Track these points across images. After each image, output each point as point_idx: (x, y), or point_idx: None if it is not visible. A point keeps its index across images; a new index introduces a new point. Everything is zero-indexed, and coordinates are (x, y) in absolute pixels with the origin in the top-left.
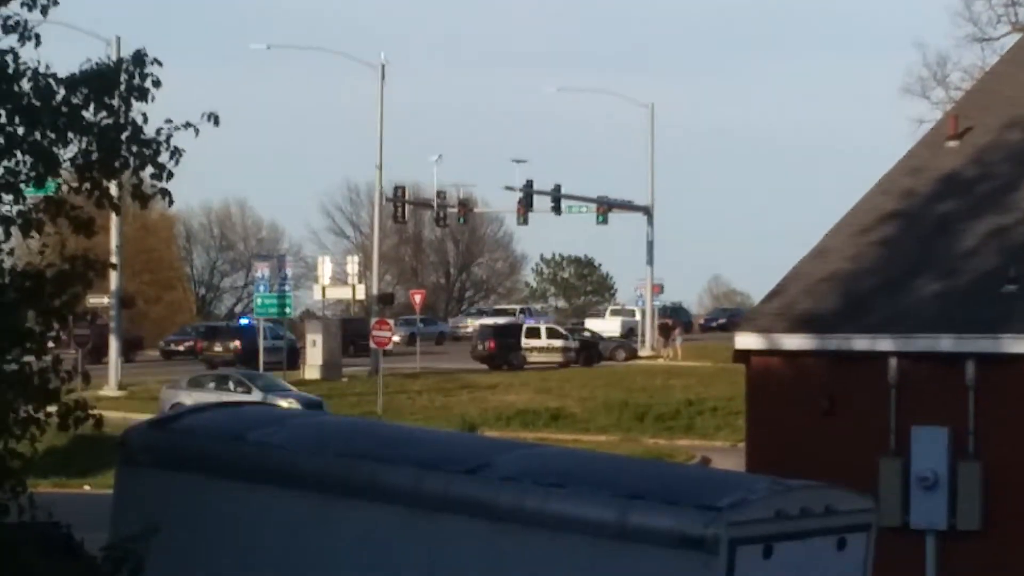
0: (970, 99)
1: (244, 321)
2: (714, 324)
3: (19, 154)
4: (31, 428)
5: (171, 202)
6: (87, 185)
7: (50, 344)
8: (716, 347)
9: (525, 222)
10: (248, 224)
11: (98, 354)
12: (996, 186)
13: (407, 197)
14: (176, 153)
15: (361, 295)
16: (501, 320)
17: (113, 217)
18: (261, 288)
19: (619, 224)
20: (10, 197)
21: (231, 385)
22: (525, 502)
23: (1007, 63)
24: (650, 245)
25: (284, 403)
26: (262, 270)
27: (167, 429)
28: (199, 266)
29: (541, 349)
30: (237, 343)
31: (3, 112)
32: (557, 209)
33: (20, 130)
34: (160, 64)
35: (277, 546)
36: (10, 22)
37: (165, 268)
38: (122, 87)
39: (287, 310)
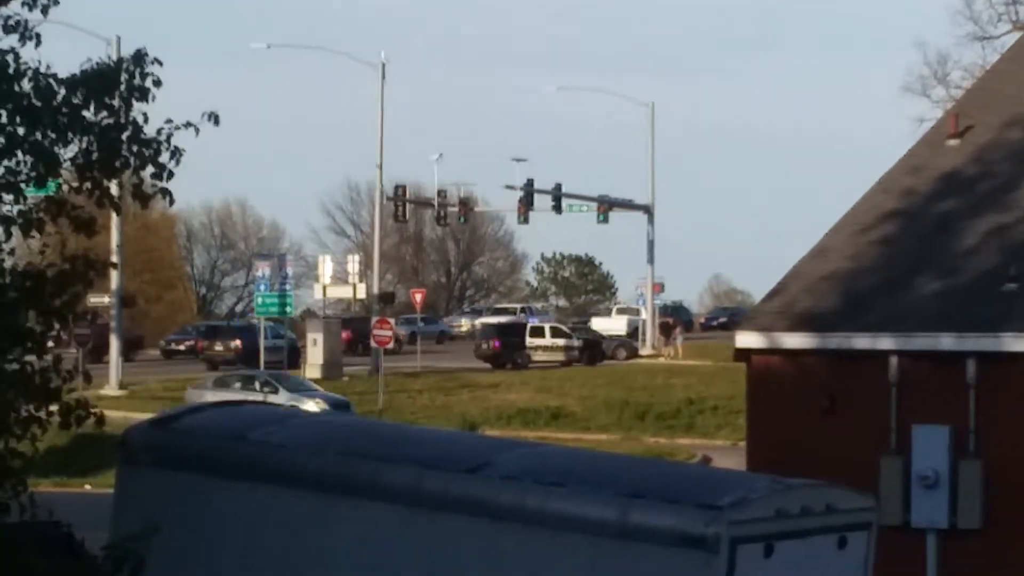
0: (971, 97)
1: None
2: (715, 323)
3: (20, 154)
4: (32, 427)
5: (172, 201)
6: (88, 185)
7: (50, 343)
8: (717, 346)
9: (526, 221)
10: (249, 223)
11: (98, 353)
12: (996, 184)
13: (408, 196)
14: (176, 153)
15: (362, 294)
16: (503, 319)
17: (114, 217)
18: (262, 287)
19: (620, 223)
20: (11, 197)
21: (257, 385)
22: (526, 501)
23: (1008, 61)
24: (651, 244)
25: (311, 403)
26: (263, 269)
27: (168, 428)
28: (200, 265)
29: (545, 348)
30: (238, 342)
31: (4, 112)
32: (558, 208)
33: (21, 130)
34: (160, 63)
35: (278, 545)
36: (11, 22)
37: (166, 267)
38: (122, 87)
39: (288, 309)
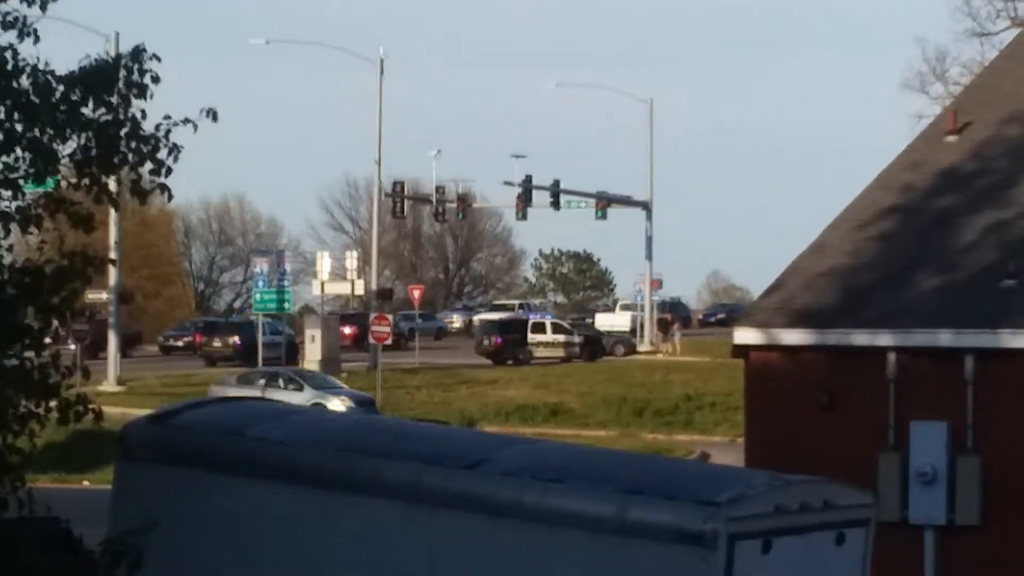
0: (969, 94)
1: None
2: (712, 319)
3: (18, 150)
4: (31, 423)
5: (170, 197)
6: (86, 181)
7: (48, 340)
8: (715, 342)
9: (524, 217)
10: (247, 219)
11: (95, 349)
12: (995, 181)
13: (406, 192)
14: (175, 149)
15: (360, 290)
16: (504, 315)
17: (112, 213)
18: (260, 283)
19: (618, 219)
20: (9, 193)
21: (281, 382)
22: (524, 497)
23: (1006, 58)
24: (649, 240)
25: (336, 401)
26: (261, 265)
27: (166, 424)
28: (198, 261)
29: (546, 344)
30: (236, 338)
31: (2, 108)
32: (556, 204)
33: (19, 127)
34: (159, 60)
35: (276, 542)
36: (9, 18)
37: (164, 263)
38: (121, 83)
39: (286, 305)
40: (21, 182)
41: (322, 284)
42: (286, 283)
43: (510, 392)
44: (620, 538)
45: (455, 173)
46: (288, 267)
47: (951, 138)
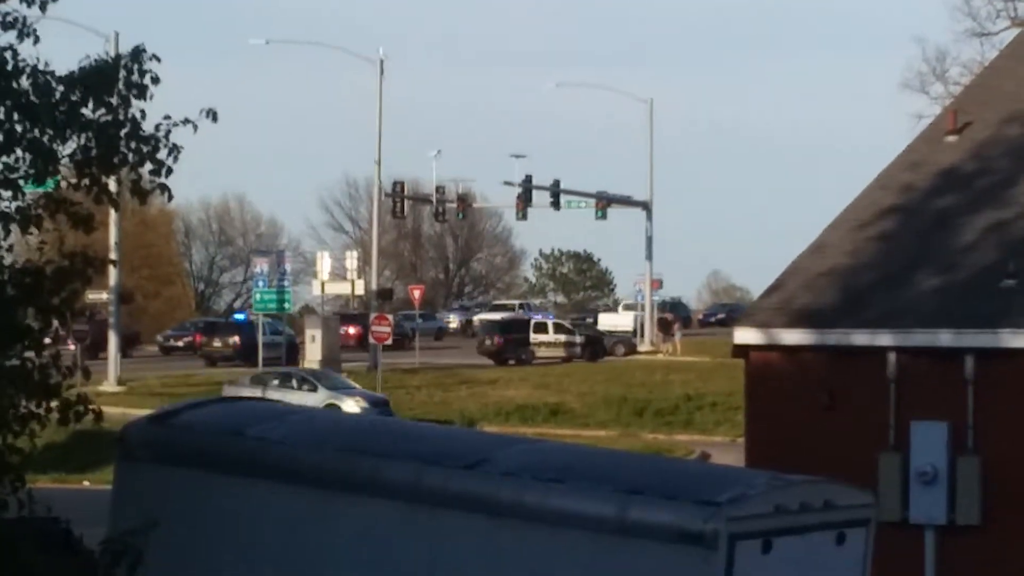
0: (969, 94)
1: (239, 317)
2: (712, 319)
3: (18, 151)
4: (31, 424)
5: (170, 197)
6: (86, 181)
7: (48, 340)
8: (715, 342)
9: (524, 217)
10: (247, 219)
11: (95, 349)
12: (995, 181)
13: (406, 192)
14: (175, 149)
15: (360, 290)
16: (505, 315)
17: (112, 213)
18: (260, 283)
19: (618, 219)
20: (9, 193)
21: (294, 383)
22: (525, 497)
23: (1006, 58)
24: (649, 240)
25: (351, 401)
26: (261, 265)
27: (166, 425)
28: (198, 261)
29: (548, 344)
30: (236, 338)
31: (2, 109)
32: (556, 204)
33: (19, 127)
34: (159, 60)
35: (276, 542)
36: (9, 18)
37: (164, 263)
38: (121, 84)
39: (286, 305)
40: (21, 182)
41: (322, 284)
42: (286, 283)
43: (510, 392)
44: (620, 538)
45: (455, 173)
46: (288, 267)
47: (951, 138)
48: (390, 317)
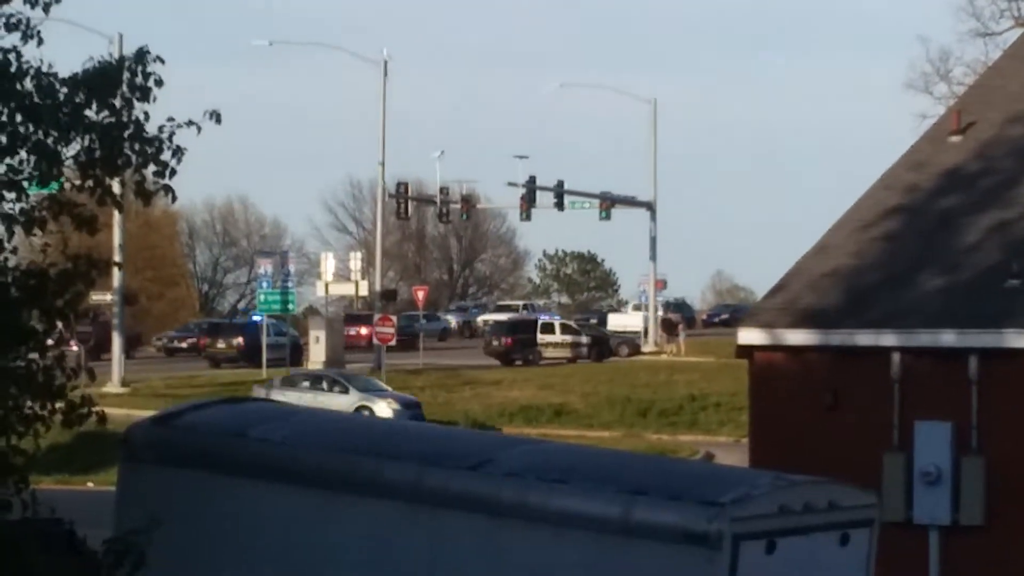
0: (973, 94)
1: (256, 317)
2: (716, 319)
3: (22, 152)
4: (35, 425)
5: (174, 199)
6: (90, 183)
7: (51, 341)
8: (719, 342)
9: (528, 218)
10: (251, 220)
11: (98, 350)
12: (999, 181)
13: (410, 193)
14: (178, 151)
15: (364, 291)
16: (511, 316)
17: (116, 214)
18: (264, 284)
19: (622, 220)
20: (13, 195)
21: (325, 385)
22: (528, 498)
23: (1010, 58)
24: (653, 241)
25: (382, 404)
26: (265, 266)
27: (170, 426)
28: (202, 263)
29: (555, 344)
30: (240, 339)
31: (6, 111)
32: (560, 205)
33: (23, 129)
34: (162, 62)
35: (279, 542)
36: (12, 20)
37: (168, 265)
38: (124, 86)
39: (290, 306)
40: (25, 184)
41: (326, 285)
42: (290, 284)
43: (514, 393)
44: (624, 539)
45: (459, 174)
46: (292, 268)
47: (955, 138)
48: (394, 318)
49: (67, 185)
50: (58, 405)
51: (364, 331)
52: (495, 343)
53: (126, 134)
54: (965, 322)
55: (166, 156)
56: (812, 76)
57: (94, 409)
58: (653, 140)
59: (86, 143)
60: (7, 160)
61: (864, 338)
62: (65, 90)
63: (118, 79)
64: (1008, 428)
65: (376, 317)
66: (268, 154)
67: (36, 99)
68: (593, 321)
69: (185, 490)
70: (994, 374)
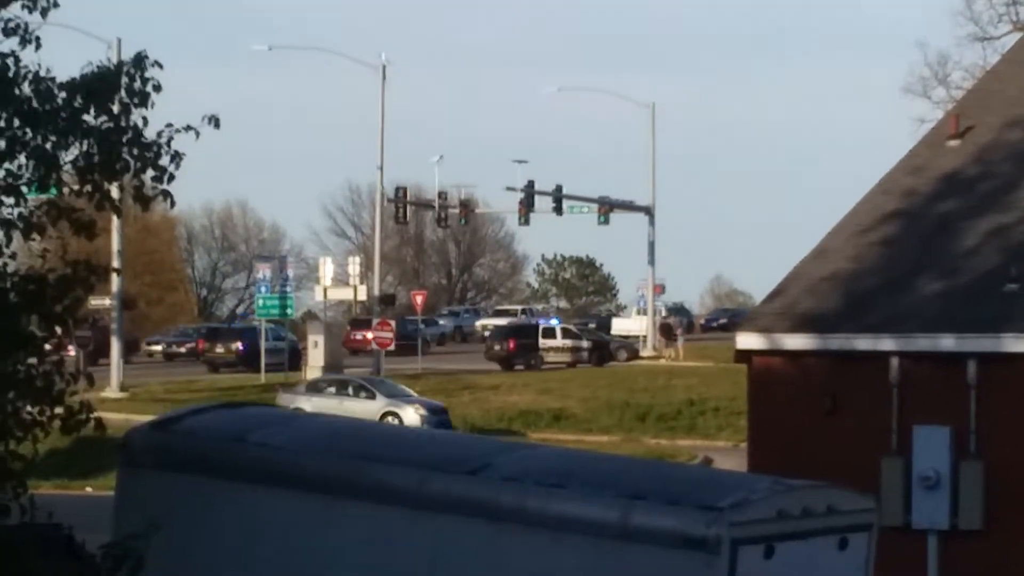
0: (971, 98)
1: (254, 322)
2: (715, 324)
3: (21, 157)
4: (34, 430)
5: (172, 204)
6: (88, 188)
7: (48, 346)
8: (718, 347)
9: (526, 222)
10: (250, 225)
11: (96, 355)
12: (997, 185)
13: (408, 198)
14: (177, 156)
15: (363, 296)
16: (511, 320)
17: (114, 219)
18: (263, 289)
19: (621, 224)
20: (11, 200)
21: (351, 390)
22: (527, 503)
23: (1008, 62)
24: (651, 245)
25: (410, 409)
26: (264, 271)
27: (169, 430)
28: (200, 267)
29: (557, 349)
30: (239, 344)
31: (4, 115)
32: (558, 209)
33: (21, 133)
34: (161, 66)
35: (279, 547)
36: (10, 25)
37: (166, 270)
38: (122, 91)
39: (289, 311)
40: (24, 189)
41: (325, 290)
42: (289, 289)
43: (513, 397)
44: (623, 543)
45: (457, 178)
46: (291, 273)
47: (953, 142)
48: (392, 323)
49: (65, 190)
50: (57, 411)
51: (370, 335)
52: (497, 348)
53: (124, 139)
54: (964, 326)
55: (164, 161)
56: (811, 81)
57: (92, 415)
58: (652, 145)
59: (84, 148)
60: (5, 165)
61: (863, 342)
62: (63, 95)
63: (116, 84)
64: (1007, 432)
65: (375, 322)
66: (267, 158)
67: (34, 104)
68: (592, 326)
69: (184, 495)
70: (993, 378)
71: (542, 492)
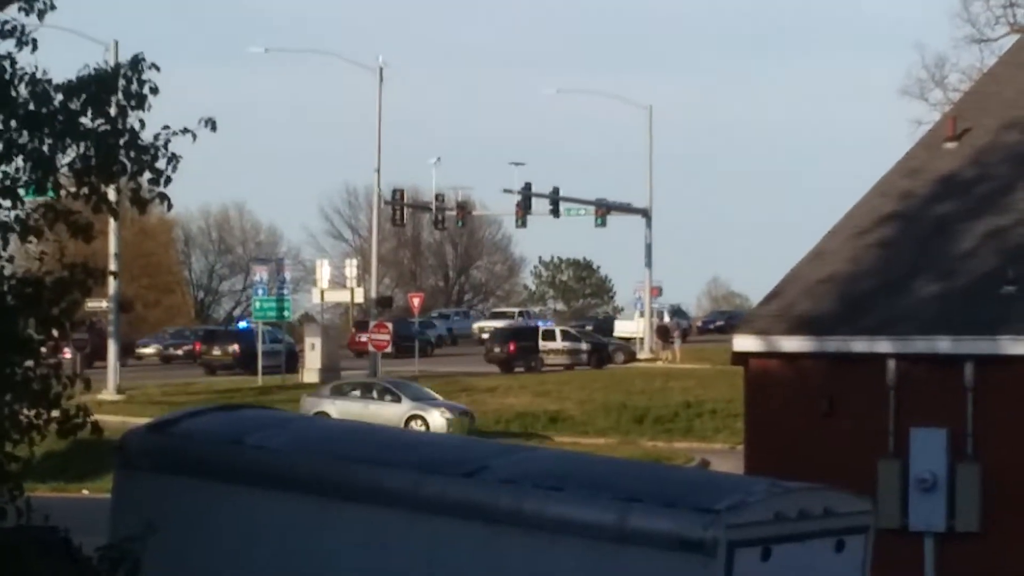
0: (968, 100)
1: (243, 325)
2: (712, 326)
3: (18, 160)
4: (31, 433)
5: (170, 206)
6: (85, 190)
7: (45, 349)
8: (715, 349)
9: (523, 225)
10: (247, 228)
11: (92, 357)
12: (994, 187)
13: (405, 200)
14: (174, 159)
15: (360, 298)
16: (510, 322)
17: (111, 222)
18: (260, 292)
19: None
20: (8, 203)
21: (375, 393)
22: (524, 505)
23: (1005, 64)
24: (648, 247)
25: (436, 412)
26: (260, 273)
27: (165, 433)
28: (198, 270)
29: (557, 351)
30: (235, 347)
31: (0, 118)
32: (555, 212)
33: (18, 135)
34: (158, 69)
35: (275, 550)
36: (7, 27)
37: (164, 272)
38: (119, 93)
39: (285, 313)
40: (21, 191)
41: (322, 292)
42: (286, 291)
43: (510, 400)
44: (620, 546)
45: (454, 181)
46: (288, 275)
47: (950, 145)
48: (389, 325)
49: (62, 193)
50: (54, 414)
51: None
52: (497, 350)
53: (121, 141)
54: (960, 329)
55: (161, 164)
56: (808, 83)
57: (89, 419)
58: (649, 147)
59: (81, 150)
60: (2, 167)
61: (859, 345)
62: (60, 97)
63: (113, 86)
64: (1003, 435)
65: (371, 324)
66: (264, 161)
67: (31, 106)
68: (589, 328)
69: (181, 498)
70: (989, 381)
71: (539, 494)
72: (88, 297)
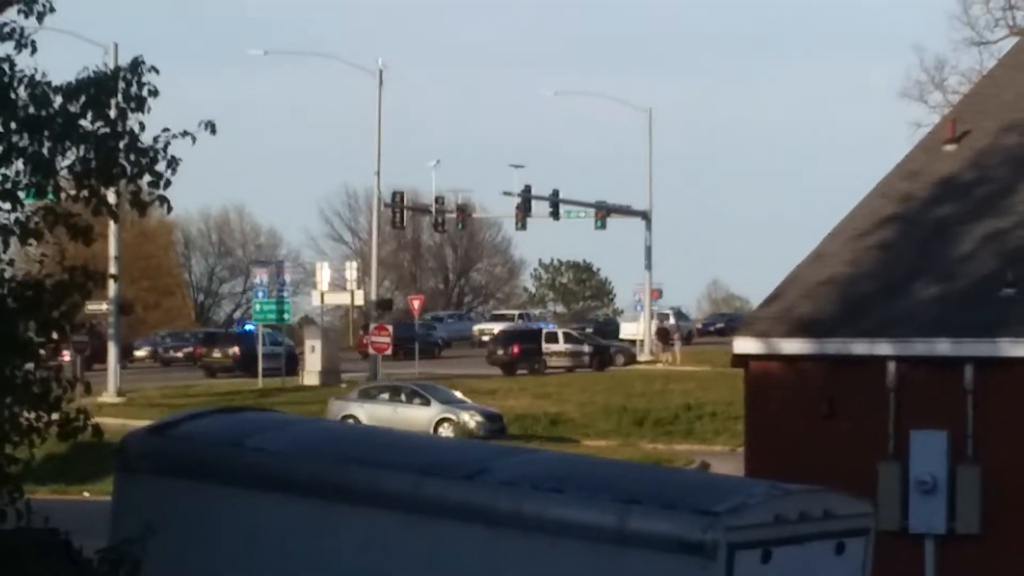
0: (967, 103)
1: (249, 327)
2: (712, 329)
3: (17, 162)
4: (31, 436)
5: (169, 209)
6: (85, 193)
7: (45, 352)
8: (715, 352)
9: (523, 227)
10: (246, 230)
11: (91, 360)
12: (994, 190)
13: (405, 202)
14: (173, 162)
15: (360, 301)
16: (512, 325)
17: (111, 225)
18: (260, 294)
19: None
20: (8, 206)
21: (404, 397)
22: (524, 507)
23: (1004, 67)
24: (648, 250)
25: (465, 415)
26: (260, 276)
27: (166, 435)
28: (198, 272)
29: (559, 354)
30: (236, 349)
31: (0, 120)
32: (555, 214)
33: (18, 138)
34: (157, 72)
35: (276, 552)
36: (6, 30)
37: (163, 274)
38: (119, 96)
39: (286, 316)
40: (20, 194)
41: (322, 295)
42: (286, 294)
43: (510, 402)
44: (620, 548)
45: (454, 183)
46: (288, 278)
47: (949, 147)
48: (389, 327)
49: (62, 195)
50: (54, 416)
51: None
52: (500, 352)
53: (121, 144)
54: (960, 331)
55: (161, 166)
56: (808, 85)
57: (89, 422)
58: (649, 150)
59: (81, 153)
60: (2, 170)
61: (859, 347)
62: (60, 100)
63: (113, 89)
64: (1003, 437)
65: (371, 326)
66: (264, 164)
67: (31, 109)
68: (589, 330)
69: (181, 500)
70: (989, 383)
71: (539, 496)
72: (88, 300)
